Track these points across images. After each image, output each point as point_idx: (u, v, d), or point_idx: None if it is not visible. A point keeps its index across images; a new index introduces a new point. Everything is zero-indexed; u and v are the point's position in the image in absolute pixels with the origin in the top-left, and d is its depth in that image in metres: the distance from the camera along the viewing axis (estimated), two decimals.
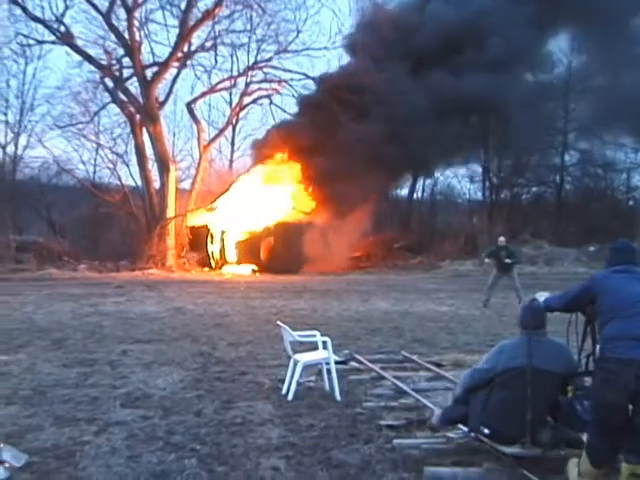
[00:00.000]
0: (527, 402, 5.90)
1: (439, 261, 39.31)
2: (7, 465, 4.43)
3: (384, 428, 7.19)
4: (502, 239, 20.71)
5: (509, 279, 20.31)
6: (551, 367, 6.04)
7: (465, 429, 6.51)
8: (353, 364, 10.79)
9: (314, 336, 9.45)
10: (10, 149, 42.89)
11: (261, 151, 42.99)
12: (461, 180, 48.09)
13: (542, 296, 6.37)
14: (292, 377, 8.64)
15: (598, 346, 5.68)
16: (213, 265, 39.39)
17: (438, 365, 10.58)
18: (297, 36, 41.66)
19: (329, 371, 8.86)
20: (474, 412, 6.29)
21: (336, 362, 9.23)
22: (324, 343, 9.12)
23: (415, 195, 48.17)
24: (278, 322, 9.90)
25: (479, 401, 6.27)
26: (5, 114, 42.97)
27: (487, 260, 21.87)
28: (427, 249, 41.43)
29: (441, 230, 44.43)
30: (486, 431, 6.14)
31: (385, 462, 6.21)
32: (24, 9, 38.20)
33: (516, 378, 6.00)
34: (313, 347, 9.44)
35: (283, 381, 8.96)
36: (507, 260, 20.02)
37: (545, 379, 5.99)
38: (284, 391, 8.74)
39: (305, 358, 8.82)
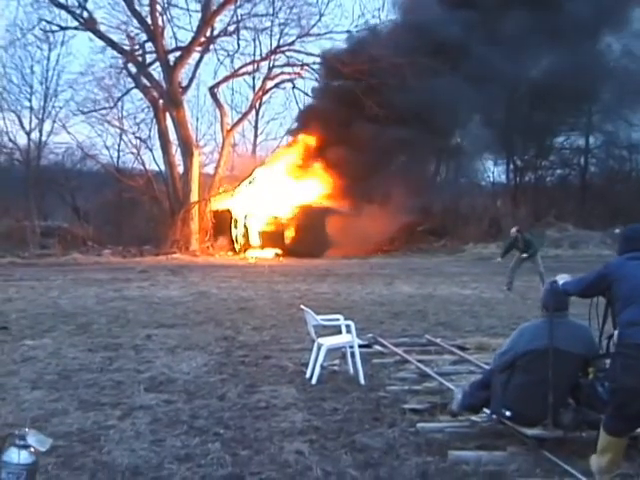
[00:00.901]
0: (548, 384, 5.91)
1: (463, 244, 39.13)
2: (32, 449, 4.43)
3: (408, 412, 7.16)
4: (513, 230, 20.61)
5: (532, 263, 20.16)
6: (572, 348, 6.04)
7: (487, 412, 6.52)
8: (377, 348, 10.78)
9: (338, 320, 9.44)
10: (35, 135, 42.99)
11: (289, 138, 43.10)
12: (485, 162, 47.68)
13: (562, 279, 6.22)
14: (316, 361, 8.63)
15: (616, 331, 5.59)
16: (237, 249, 39.41)
17: (462, 348, 10.53)
18: (319, 19, 41.64)
19: (353, 355, 8.84)
20: (495, 395, 6.32)
21: (360, 346, 9.20)
22: (348, 327, 9.10)
23: (439, 178, 47.94)
24: (302, 306, 9.90)
25: (500, 383, 6.29)
26: (29, 100, 43.10)
27: (500, 260, 21.70)
28: (451, 232, 41.27)
29: (465, 213, 44.18)
30: (508, 413, 6.16)
31: (409, 446, 6.19)
32: None
33: (537, 360, 6.03)
34: (337, 331, 9.43)
35: (307, 365, 8.96)
36: (524, 255, 19.92)
37: (566, 361, 6.00)
38: (308, 375, 8.73)
39: (329, 342, 8.81)
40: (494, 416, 6.42)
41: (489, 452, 5.93)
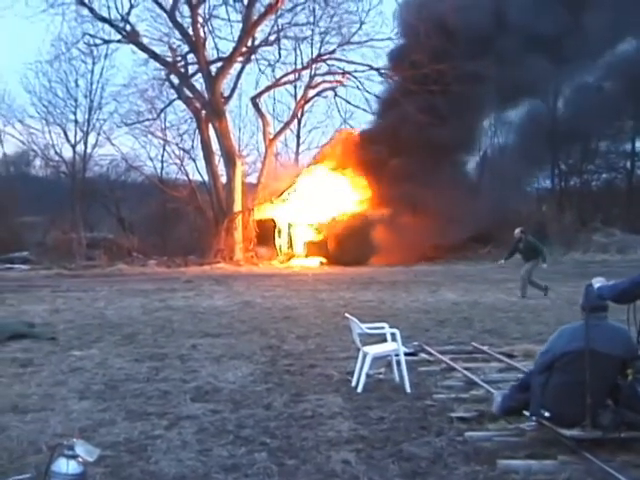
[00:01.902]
0: (586, 385, 5.94)
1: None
2: (81, 459, 4.44)
3: (455, 420, 7.09)
4: (517, 231, 20.40)
5: (527, 266, 19.96)
6: (610, 350, 6.08)
7: (527, 414, 6.53)
8: (422, 356, 10.72)
9: (383, 328, 9.40)
10: (80, 148, 43.59)
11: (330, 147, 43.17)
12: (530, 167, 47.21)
13: (598, 282, 6.31)
14: (361, 369, 8.59)
15: None
16: (281, 258, 39.49)
17: (509, 356, 10.43)
18: (360, 27, 41.62)
19: (398, 363, 8.79)
20: (534, 396, 6.38)
21: (405, 354, 9.13)
22: (393, 335, 9.05)
23: (483, 183, 47.58)
24: (346, 314, 9.86)
25: (539, 384, 6.35)
26: (74, 113, 43.66)
27: (503, 262, 21.58)
28: (496, 239, 40.91)
29: (510, 219, 43.76)
30: (546, 414, 6.20)
31: (457, 455, 6.12)
32: (91, 9, 38.85)
33: (574, 361, 6.10)
34: (382, 339, 9.38)
35: (352, 373, 8.92)
36: (544, 264, 19.86)
37: (603, 362, 6.03)
38: (353, 383, 8.69)
39: (374, 350, 8.76)
40: (534, 418, 6.42)
41: (539, 461, 5.84)
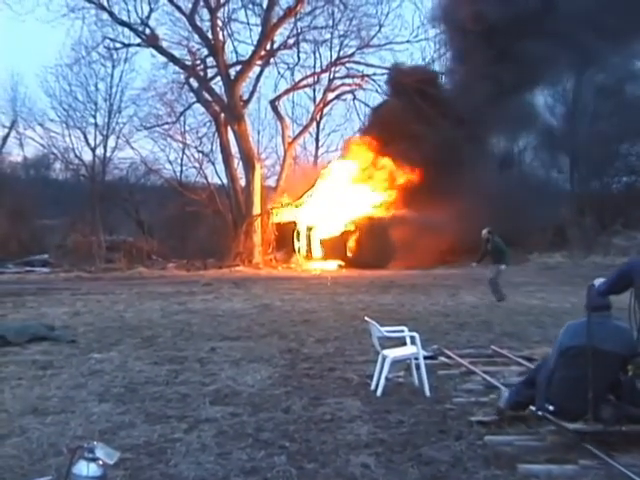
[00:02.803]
0: (588, 380, 6.21)
1: (527, 254, 38.60)
2: (101, 462, 4.45)
3: (475, 424, 7.06)
4: (484, 232, 20.23)
5: (493, 269, 19.81)
6: (611, 347, 6.37)
7: (533, 409, 6.78)
8: (442, 359, 10.68)
9: (402, 331, 9.37)
10: (99, 151, 43.85)
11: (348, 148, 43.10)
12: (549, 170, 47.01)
13: (598, 281, 6.78)
14: (381, 373, 8.57)
15: None
16: (299, 261, 39.50)
17: (529, 359, 10.37)
18: (379, 30, 41.66)
19: (418, 366, 8.77)
20: (540, 390, 6.68)
21: (425, 357, 9.11)
22: (412, 338, 9.03)
23: (502, 186, 47.42)
24: (366, 317, 9.86)
25: (544, 379, 6.67)
26: (94, 117, 43.90)
27: (475, 264, 21.56)
28: (515, 242, 40.73)
29: (530, 222, 43.55)
30: (551, 408, 6.46)
31: (477, 459, 6.09)
32: (111, 13, 39.04)
33: (576, 357, 6.41)
34: (401, 342, 9.36)
35: (371, 377, 8.91)
36: (502, 266, 19.66)
37: (604, 358, 6.30)
38: (373, 387, 8.68)
39: (393, 353, 8.74)
40: (539, 412, 6.64)
41: (560, 465, 5.82)
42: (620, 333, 6.54)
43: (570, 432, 6.33)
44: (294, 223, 40.62)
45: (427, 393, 8.42)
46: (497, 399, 7.65)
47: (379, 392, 8.44)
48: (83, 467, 4.42)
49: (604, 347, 6.32)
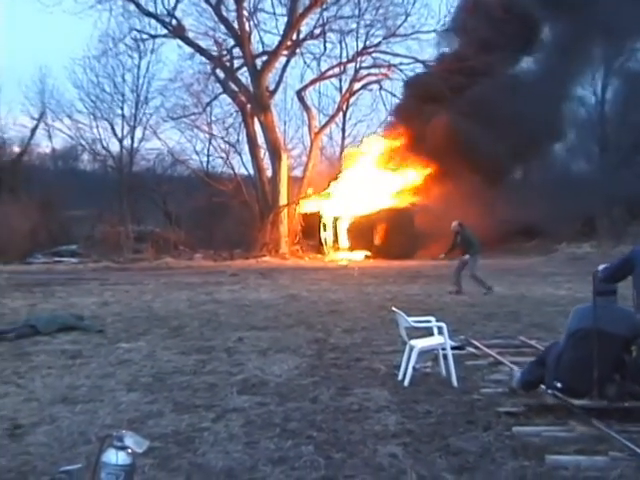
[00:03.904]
0: (594, 360, 6.65)
1: (555, 244, 38.38)
2: (130, 451, 4.48)
3: (503, 415, 7.03)
4: (454, 224, 19.96)
5: (471, 263, 19.46)
6: (615, 330, 6.81)
7: (543, 387, 7.29)
8: (469, 349, 10.65)
9: (430, 321, 9.35)
10: (127, 142, 44.06)
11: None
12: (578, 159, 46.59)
13: (603, 267, 7.33)
14: (408, 363, 8.55)
15: None
16: (326, 252, 39.50)
17: None
18: (406, 20, 41.51)
19: (445, 357, 8.74)
20: (549, 370, 7.13)
21: (452, 348, 9.08)
22: (440, 328, 9.00)
23: (529, 175, 47.12)
24: (393, 308, 9.84)
25: (553, 359, 7.11)
26: (121, 108, 44.11)
27: (443, 255, 21.37)
28: (543, 232, 40.47)
29: (557, 212, 43.26)
30: (559, 385, 6.94)
31: (505, 450, 6.06)
32: (137, 5, 39.21)
33: (583, 339, 6.85)
34: (428, 333, 9.34)
35: (399, 367, 8.89)
36: (466, 256, 19.34)
37: (609, 340, 6.74)
38: (400, 377, 8.66)
39: (421, 344, 8.71)
40: (549, 391, 7.13)
41: (589, 457, 5.77)
42: (624, 316, 7.02)
43: (576, 408, 6.79)
44: (320, 213, 40.60)
45: (454, 383, 8.40)
46: (509, 379, 8.11)
47: (406, 382, 8.42)
48: (112, 455, 4.44)
49: (609, 329, 6.76)
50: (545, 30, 41.00)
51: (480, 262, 19.76)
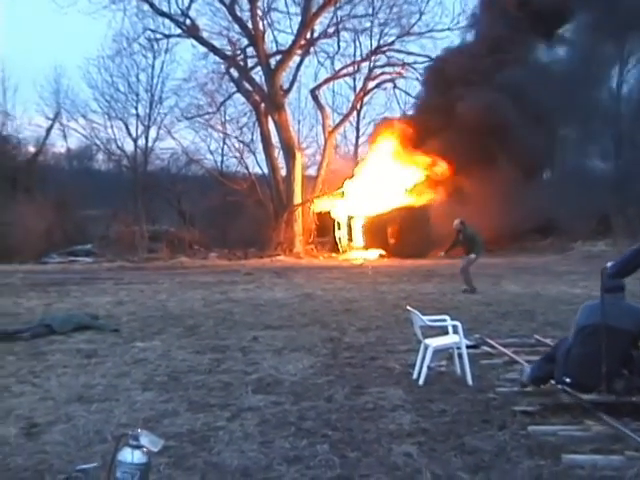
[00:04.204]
0: (602, 355, 6.74)
1: (571, 242, 38.21)
2: (145, 449, 4.50)
3: (518, 414, 7.01)
4: (456, 222, 19.83)
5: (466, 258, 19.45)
6: (623, 325, 6.90)
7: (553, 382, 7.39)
8: (484, 348, 10.63)
9: (444, 320, 9.34)
10: (141, 142, 44.16)
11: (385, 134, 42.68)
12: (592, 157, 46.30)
13: (611, 264, 7.22)
14: (423, 362, 8.54)
15: None
16: (340, 250, 39.48)
17: None
18: (420, 18, 41.57)
19: (460, 355, 8.72)
20: (558, 365, 7.21)
21: (467, 346, 9.06)
22: (454, 327, 8.99)
23: (544, 174, 46.93)
24: (407, 307, 9.83)
25: (562, 354, 7.21)
26: (136, 108, 44.23)
27: (443, 254, 21.45)
28: (558, 230, 40.31)
29: (573, 210, 43.06)
30: (567, 380, 7.06)
31: (520, 449, 6.05)
32: (151, 4, 39.36)
33: (591, 334, 6.93)
34: (443, 332, 9.33)
35: (413, 366, 8.88)
36: (472, 255, 19.29)
37: (617, 336, 6.82)
38: (415, 376, 8.65)
39: (436, 343, 8.70)
40: (559, 386, 7.26)
41: (605, 456, 5.74)
42: (632, 312, 7.10)
43: (585, 402, 6.95)
44: (334, 212, 40.57)
45: (469, 382, 8.38)
46: (520, 374, 8.26)
47: (421, 381, 8.42)
48: (128, 454, 4.47)
49: (617, 325, 6.84)
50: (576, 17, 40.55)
51: (479, 261, 19.66)
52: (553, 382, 7.37)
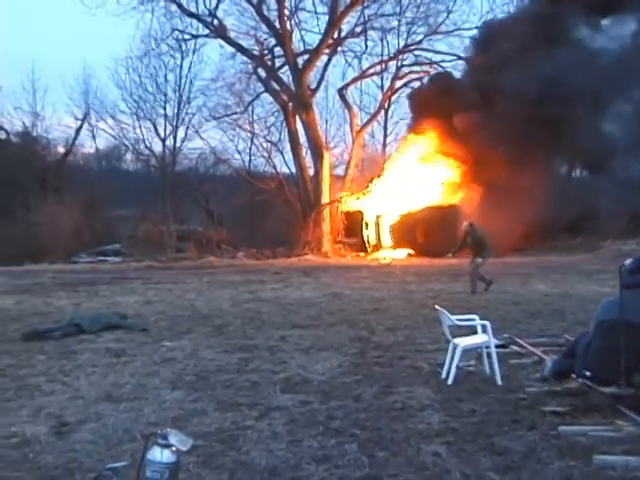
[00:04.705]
0: (621, 350, 6.78)
1: (601, 241, 37.89)
2: (174, 449, 4.51)
3: (548, 414, 6.96)
4: (465, 224, 19.73)
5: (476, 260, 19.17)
6: None
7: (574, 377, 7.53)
8: (513, 348, 10.56)
9: (473, 320, 9.29)
10: (169, 142, 44.35)
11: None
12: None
13: (629, 261, 7.57)
14: (451, 361, 8.51)
15: None
16: (369, 250, 39.41)
17: None
18: (447, 17, 41.43)
19: (489, 355, 8.68)
20: (578, 358, 7.33)
21: (496, 346, 9.01)
22: (483, 327, 8.94)
23: (574, 173, 46.61)
24: (436, 306, 9.79)
25: (582, 348, 7.31)
26: (164, 108, 44.42)
27: (450, 255, 21.40)
28: (588, 229, 39.98)
29: (603, 209, 42.68)
30: (587, 373, 7.14)
31: (550, 449, 6.00)
32: (179, 5, 39.53)
33: (611, 329, 6.97)
34: (472, 331, 9.28)
35: (442, 365, 8.84)
36: (479, 259, 19.04)
37: (636, 331, 6.83)
38: (443, 375, 8.62)
39: (464, 342, 8.66)
40: (580, 380, 7.35)
41: (638, 457, 5.67)
42: None
43: (605, 395, 7.07)
44: (363, 211, 40.51)
45: (499, 382, 8.34)
46: (542, 370, 8.37)
47: (450, 381, 8.38)
48: (157, 453, 4.48)
49: (635, 320, 6.87)
50: None
51: (486, 265, 19.49)
52: (574, 376, 7.47)
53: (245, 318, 14.62)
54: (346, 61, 43.83)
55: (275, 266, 30.71)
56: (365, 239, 40.31)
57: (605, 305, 7.46)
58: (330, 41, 40.67)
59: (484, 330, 8.90)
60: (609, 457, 5.68)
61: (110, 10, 40.34)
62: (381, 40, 43.89)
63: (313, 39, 41.92)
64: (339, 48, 42.15)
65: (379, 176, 40.99)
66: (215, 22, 40.41)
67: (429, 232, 37.98)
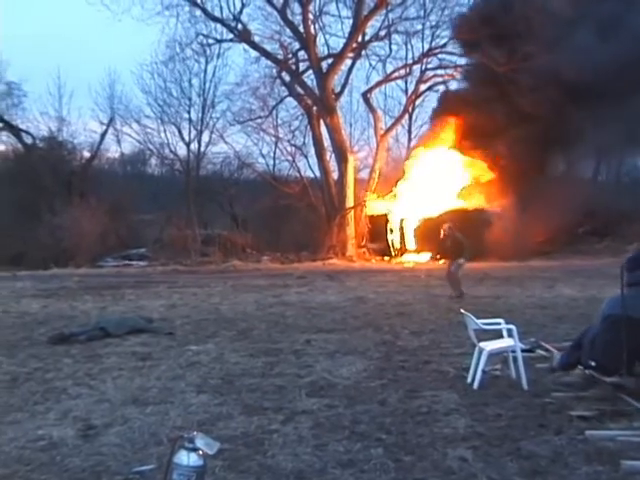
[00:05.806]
0: (623, 343, 7.22)
1: (627, 245, 37.60)
2: (201, 452, 4.52)
3: (575, 419, 6.94)
4: (445, 226, 19.70)
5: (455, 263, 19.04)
6: None
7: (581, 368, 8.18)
8: (540, 352, 10.51)
9: (499, 324, 9.25)
10: (194, 146, 44.43)
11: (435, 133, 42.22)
12: None
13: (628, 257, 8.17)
14: (477, 365, 8.49)
15: None
16: (393, 254, 39.31)
17: None
18: None
19: (515, 359, 8.65)
20: (585, 350, 7.88)
21: (522, 350, 8.98)
22: (509, 331, 8.90)
23: (599, 177, 46.32)
24: (461, 310, 9.76)
25: (589, 341, 7.83)
26: (188, 112, 44.52)
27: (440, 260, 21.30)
28: (613, 233, 39.73)
29: (628, 212, 42.41)
30: (592, 363, 7.75)
31: (578, 454, 5.98)
32: (204, 10, 39.58)
33: (614, 323, 7.41)
34: (497, 335, 9.24)
35: (468, 370, 8.83)
36: (460, 260, 18.90)
37: (637, 325, 7.23)
38: (469, 380, 8.60)
39: (490, 346, 8.63)
40: (586, 371, 8.05)
41: None
42: None
43: (608, 384, 7.75)
44: (387, 215, 40.41)
45: (525, 386, 8.31)
46: (550, 361, 9.06)
47: (476, 385, 8.37)
48: (184, 457, 4.50)
49: (636, 315, 7.26)
50: None
51: (465, 266, 19.39)
52: (581, 367, 8.17)
53: (270, 322, 14.63)
54: (370, 65, 43.75)
55: (299, 270, 30.67)
56: (390, 243, 40.18)
57: (610, 301, 7.92)
58: (354, 45, 40.59)
59: (510, 334, 8.87)
60: (637, 462, 5.64)
61: (135, 15, 40.41)
62: (405, 44, 43.77)
63: (337, 43, 41.91)
64: (363, 52, 42.07)
65: (403, 179, 40.88)
66: (239, 26, 40.47)
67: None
